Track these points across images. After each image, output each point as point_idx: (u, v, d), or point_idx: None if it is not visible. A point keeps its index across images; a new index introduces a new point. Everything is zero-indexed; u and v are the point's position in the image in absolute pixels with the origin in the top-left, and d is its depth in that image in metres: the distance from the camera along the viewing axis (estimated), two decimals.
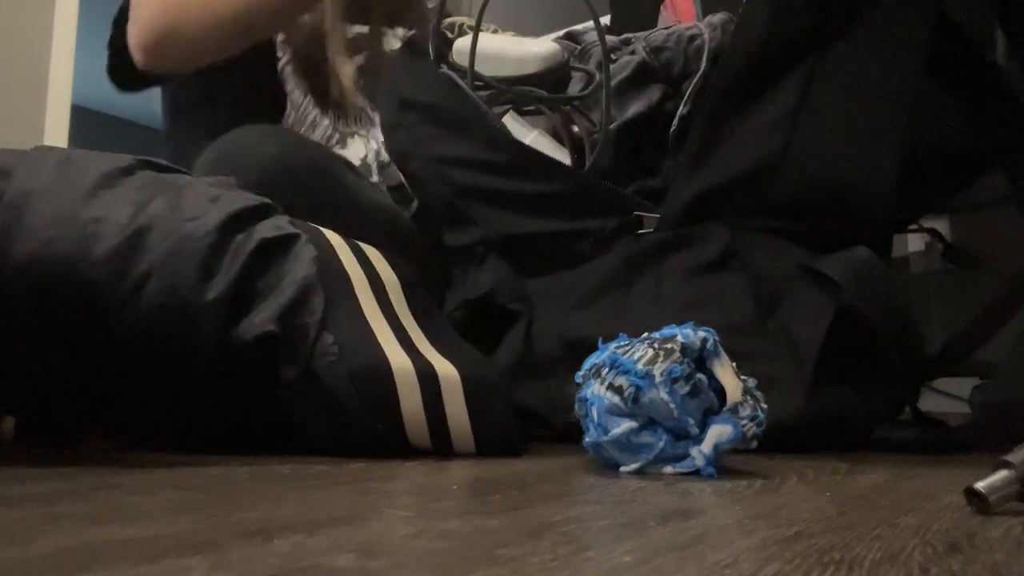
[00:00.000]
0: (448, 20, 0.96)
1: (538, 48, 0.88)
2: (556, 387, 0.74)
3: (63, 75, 2.41)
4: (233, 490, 0.41)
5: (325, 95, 1.06)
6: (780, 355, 0.66)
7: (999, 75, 0.80)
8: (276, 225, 0.62)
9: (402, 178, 1.01)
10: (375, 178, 1.06)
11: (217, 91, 1.06)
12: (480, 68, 0.87)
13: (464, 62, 0.86)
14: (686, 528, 0.34)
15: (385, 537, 0.31)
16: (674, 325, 0.55)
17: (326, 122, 1.06)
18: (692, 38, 0.94)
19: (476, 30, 0.87)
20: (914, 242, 1.69)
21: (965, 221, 1.70)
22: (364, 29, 1.13)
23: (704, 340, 0.53)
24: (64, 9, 2.43)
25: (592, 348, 0.73)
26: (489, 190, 0.81)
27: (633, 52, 1.00)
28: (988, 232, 1.70)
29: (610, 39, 1.03)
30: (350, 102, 1.06)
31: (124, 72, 1.00)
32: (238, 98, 1.05)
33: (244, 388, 0.58)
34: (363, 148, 1.07)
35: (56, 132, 2.39)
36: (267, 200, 0.65)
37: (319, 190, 0.70)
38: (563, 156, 0.87)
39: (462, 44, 0.89)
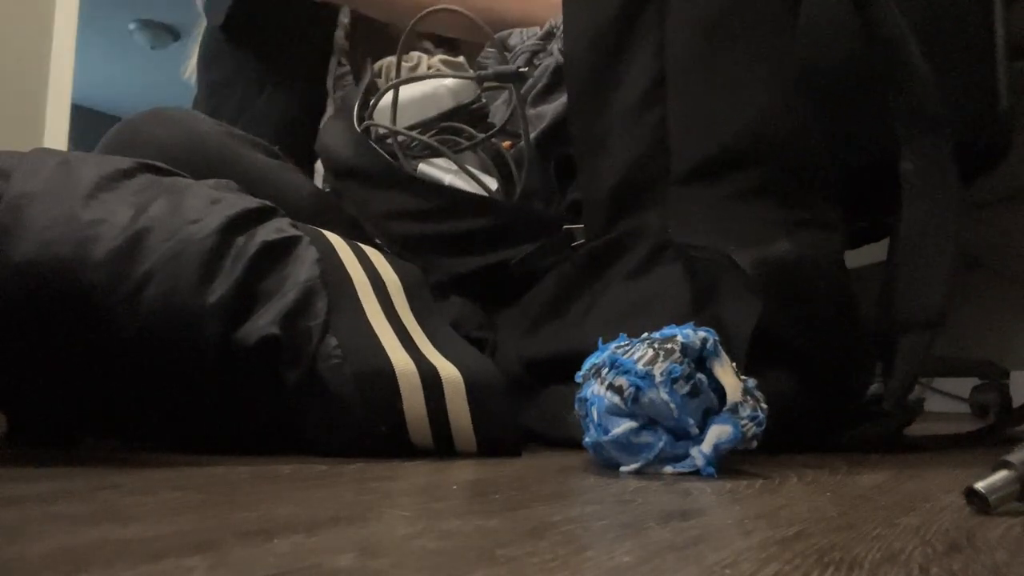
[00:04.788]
0: (376, 65, 0.98)
1: (448, 84, 0.90)
2: (520, 408, 0.74)
3: (63, 75, 2.41)
4: (233, 490, 0.41)
5: None
6: None
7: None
8: (278, 228, 0.62)
9: None
10: None
11: (262, 85, 1.07)
12: (402, 117, 0.89)
13: (386, 121, 0.89)
14: (686, 528, 0.34)
15: (385, 537, 0.31)
16: (674, 326, 0.55)
17: None
18: None
19: (397, 85, 0.89)
20: None
21: (965, 221, 1.69)
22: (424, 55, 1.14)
23: (704, 340, 0.53)
24: (64, 9, 2.43)
25: (546, 369, 0.74)
26: (427, 237, 0.83)
27: (551, 53, 1.00)
28: (988, 232, 1.70)
29: (533, 36, 1.02)
30: None
31: (239, 24, 1.03)
32: (282, 92, 1.06)
33: (246, 391, 0.58)
34: None
35: (56, 132, 2.39)
36: (268, 203, 0.65)
37: (217, 171, 0.70)
38: (490, 185, 0.88)
39: (384, 103, 0.91)
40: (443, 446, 0.59)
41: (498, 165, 0.91)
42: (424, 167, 0.88)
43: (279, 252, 0.61)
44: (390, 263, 0.68)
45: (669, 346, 0.52)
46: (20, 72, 2.37)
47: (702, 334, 0.53)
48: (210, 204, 0.61)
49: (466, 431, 0.59)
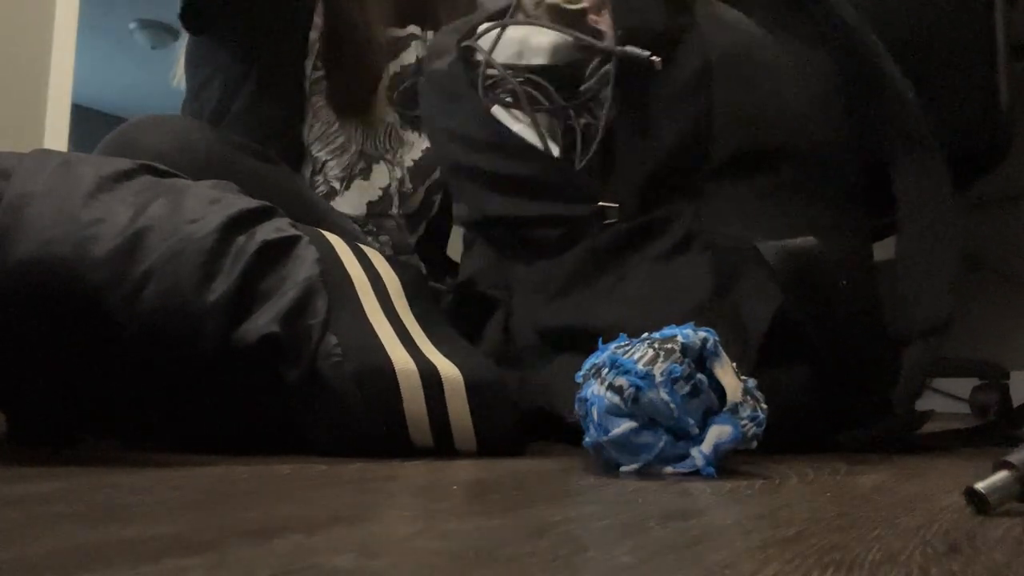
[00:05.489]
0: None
1: (546, 39, 0.87)
2: (529, 374, 0.75)
3: (63, 75, 2.41)
4: (233, 490, 0.41)
5: (359, 106, 1.04)
6: (731, 337, 0.65)
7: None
8: (277, 227, 0.62)
9: (417, 206, 1.07)
10: (395, 210, 1.05)
11: (240, 87, 1.05)
12: (501, 54, 0.87)
13: (487, 48, 0.87)
14: (686, 528, 0.34)
15: (385, 537, 0.31)
16: (674, 326, 0.55)
17: (353, 148, 1.04)
18: None
19: (504, 25, 0.87)
20: None
21: (965, 221, 1.69)
22: (401, 33, 1.11)
23: (704, 340, 0.53)
24: (64, 9, 2.43)
25: (563, 338, 0.75)
26: (470, 166, 0.84)
27: None
28: (988, 232, 1.70)
29: None
30: (379, 115, 1.06)
31: (194, 14, 1.02)
32: (260, 95, 1.04)
33: (246, 389, 0.58)
34: (387, 176, 1.05)
35: (56, 132, 2.39)
36: (268, 203, 0.65)
37: (211, 177, 0.71)
38: (552, 152, 0.87)
39: (491, 34, 0.89)
40: (443, 445, 0.59)
41: (568, 137, 0.89)
42: (497, 109, 0.87)
43: (279, 251, 0.61)
44: (390, 263, 0.68)
45: (669, 346, 0.52)
46: (20, 72, 2.37)
47: (702, 334, 0.53)
48: (210, 204, 0.61)
49: (466, 430, 0.59)
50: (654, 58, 0.75)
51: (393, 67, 1.09)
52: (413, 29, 1.12)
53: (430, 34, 1.12)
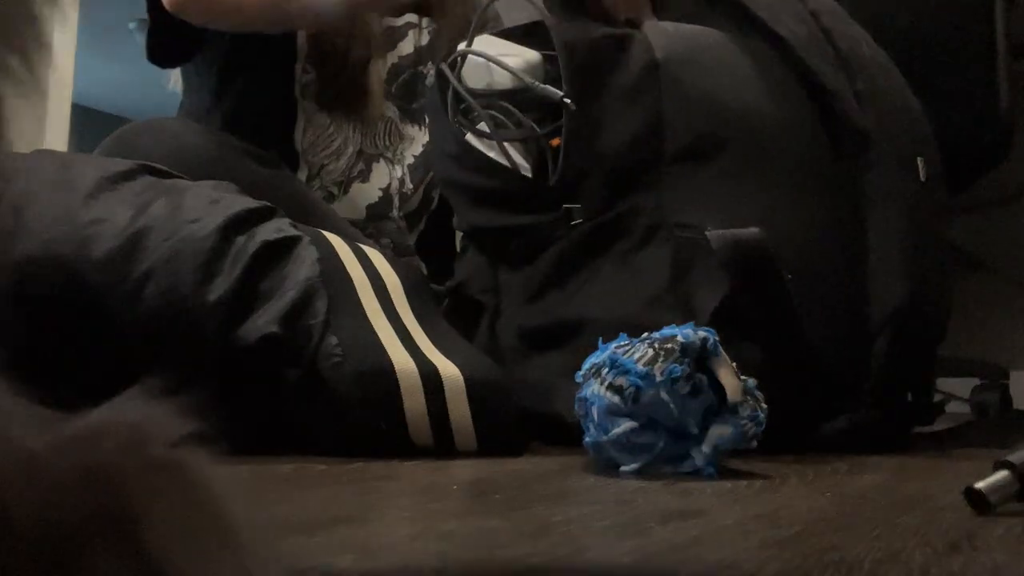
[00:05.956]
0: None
1: (514, 63, 0.88)
2: (513, 373, 0.76)
3: (63, 75, 2.41)
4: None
5: (352, 103, 1.02)
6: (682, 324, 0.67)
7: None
8: (277, 227, 0.62)
9: (417, 205, 1.07)
10: (395, 212, 1.05)
11: (226, 91, 1.04)
12: (472, 76, 0.88)
13: (473, 67, 0.88)
14: (686, 528, 0.34)
15: (385, 537, 0.31)
16: (674, 325, 0.55)
17: (351, 149, 1.03)
18: None
19: (471, 38, 0.87)
20: None
21: (965, 221, 1.69)
22: (397, 22, 1.09)
23: (704, 340, 0.53)
24: (64, 9, 2.43)
25: (540, 337, 0.77)
26: (452, 180, 0.87)
27: None
28: (988, 232, 1.70)
29: None
30: (378, 109, 1.04)
31: (162, 49, 1.01)
32: (246, 101, 1.03)
33: (246, 389, 0.58)
34: (387, 176, 1.04)
35: (56, 132, 2.39)
36: (268, 204, 0.65)
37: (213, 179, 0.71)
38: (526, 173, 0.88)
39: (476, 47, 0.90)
40: (443, 444, 0.59)
41: (540, 159, 0.89)
42: (470, 137, 0.88)
43: (279, 252, 0.61)
44: (391, 263, 0.68)
45: (669, 346, 0.52)
46: (20, 72, 2.37)
47: (702, 334, 0.53)
48: (210, 204, 0.61)
49: (466, 429, 0.59)
50: (566, 100, 0.77)
51: (391, 58, 1.06)
52: (410, 18, 1.09)
53: (427, 22, 1.10)
